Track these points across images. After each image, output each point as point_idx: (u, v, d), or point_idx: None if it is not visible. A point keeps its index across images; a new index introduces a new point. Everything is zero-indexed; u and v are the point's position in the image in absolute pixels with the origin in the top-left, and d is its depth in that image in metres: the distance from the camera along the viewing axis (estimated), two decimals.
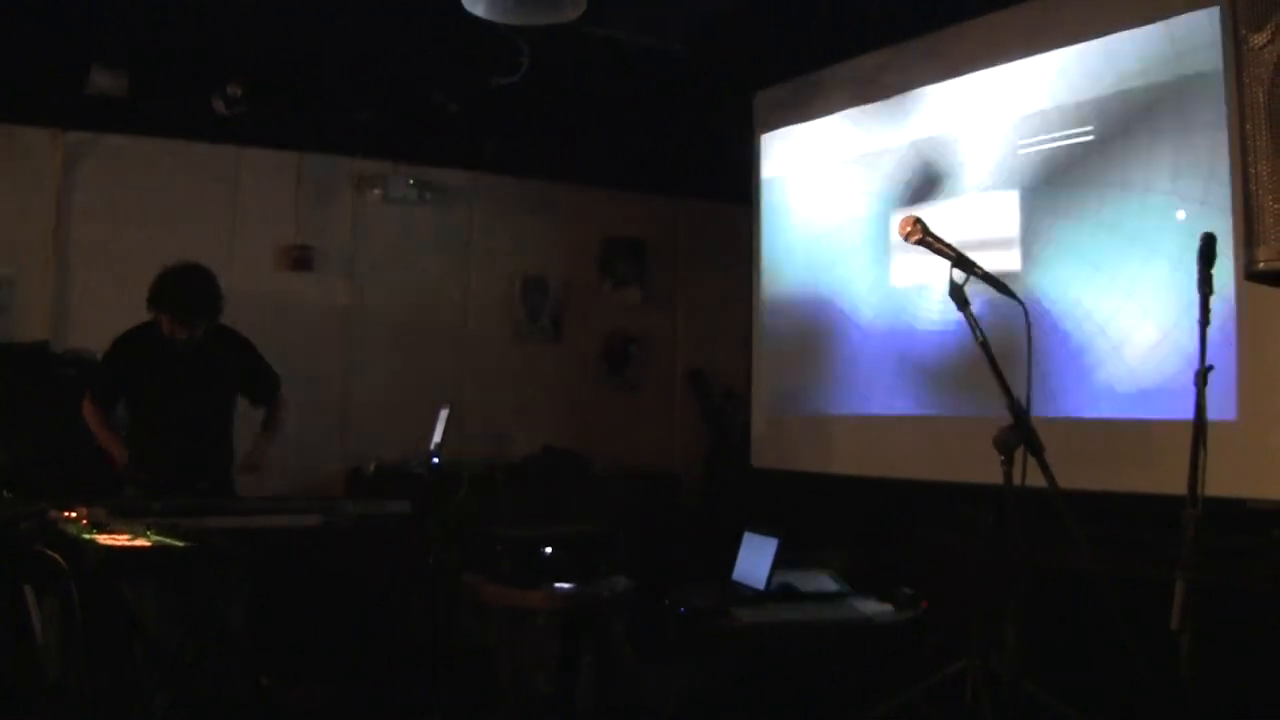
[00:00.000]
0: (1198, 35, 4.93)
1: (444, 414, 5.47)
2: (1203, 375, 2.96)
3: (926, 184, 6.27)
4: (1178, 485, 3.19)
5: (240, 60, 6.86)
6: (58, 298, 7.13)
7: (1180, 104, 5.02)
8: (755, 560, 5.31)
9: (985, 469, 3.59)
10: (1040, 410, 3.63)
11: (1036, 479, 3.36)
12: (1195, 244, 3.18)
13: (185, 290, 5.27)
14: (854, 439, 6.71)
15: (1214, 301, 3.17)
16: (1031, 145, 5.70)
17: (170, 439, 5.31)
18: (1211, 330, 3.11)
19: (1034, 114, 5.71)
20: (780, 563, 5.18)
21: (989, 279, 3.52)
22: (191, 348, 5.29)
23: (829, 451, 6.87)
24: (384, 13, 6.18)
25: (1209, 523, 3.06)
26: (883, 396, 6.49)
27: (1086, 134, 5.43)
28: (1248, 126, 2.55)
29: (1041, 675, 4.29)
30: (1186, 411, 3.12)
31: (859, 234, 6.72)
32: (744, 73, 7.33)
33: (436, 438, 5.39)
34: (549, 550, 5.06)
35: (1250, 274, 2.58)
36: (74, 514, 3.79)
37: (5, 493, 4.16)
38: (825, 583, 5.42)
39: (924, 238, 3.52)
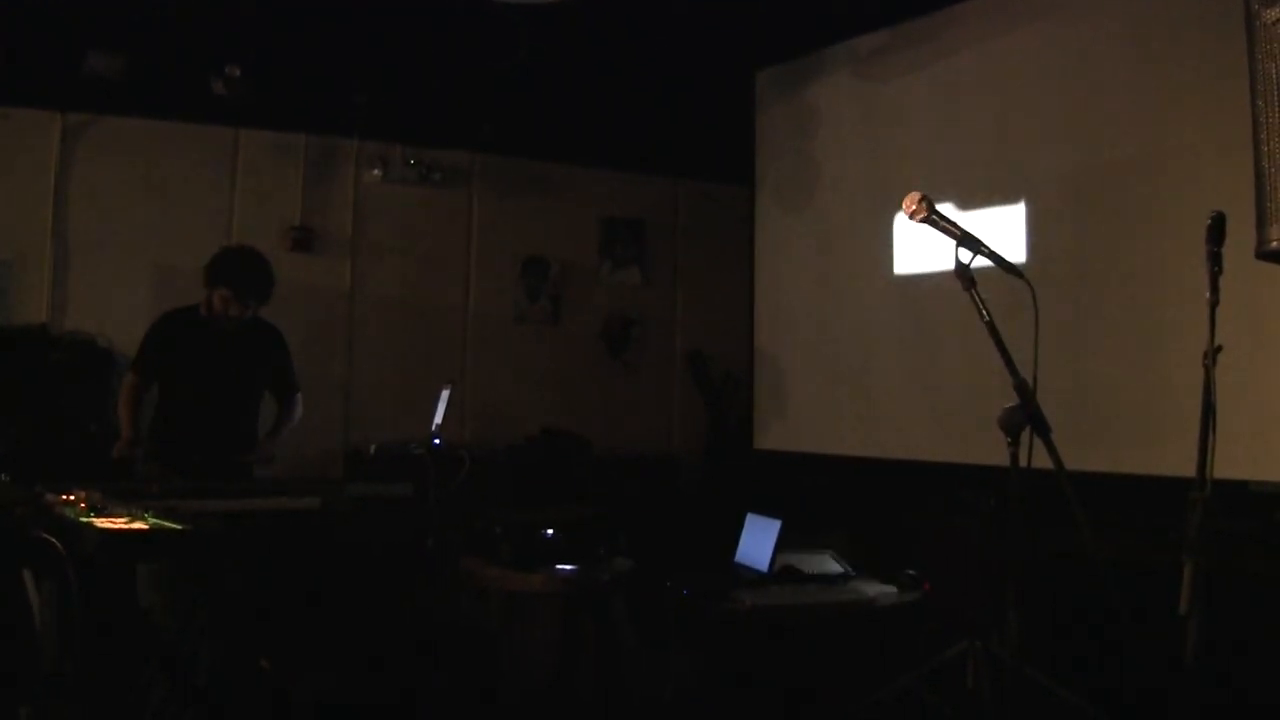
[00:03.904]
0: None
1: (445, 394, 5.44)
2: (1212, 355, 2.91)
3: (928, 163, 6.24)
4: (1180, 467, 3.16)
5: (239, 41, 6.82)
6: (56, 280, 7.11)
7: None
8: (758, 542, 5.29)
9: (988, 450, 3.56)
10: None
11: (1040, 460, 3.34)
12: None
13: (249, 267, 5.43)
14: (856, 420, 6.68)
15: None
16: (1036, 120, 5.68)
17: (200, 420, 5.37)
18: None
19: (1039, 91, 5.68)
20: (783, 545, 5.16)
21: (995, 257, 3.48)
22: (233, 332, 5.36)
23: (831, 433, 6.85)
24: None
25: (1212, 506, 3.03)
26: (886, 378, 6.47)
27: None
28: (1260, 103, 2.51)
29: (1043, 659, 4.28)
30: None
31: (861, 213, 6.68)
32: (745, 51, 7.29)
33: (437, 419, 5.37)
34: (549, 533, 5.03)
35: (1261, 253, 2.54)
36: (71, 497, 3.77)
37: (2, 476, 4.13)
38: (828, 565, 5.41)
39: (929, 215, 3.46)
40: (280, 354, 5.75)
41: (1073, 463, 3.27)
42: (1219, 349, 2.93)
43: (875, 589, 5.17)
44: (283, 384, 5.76)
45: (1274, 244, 2.49)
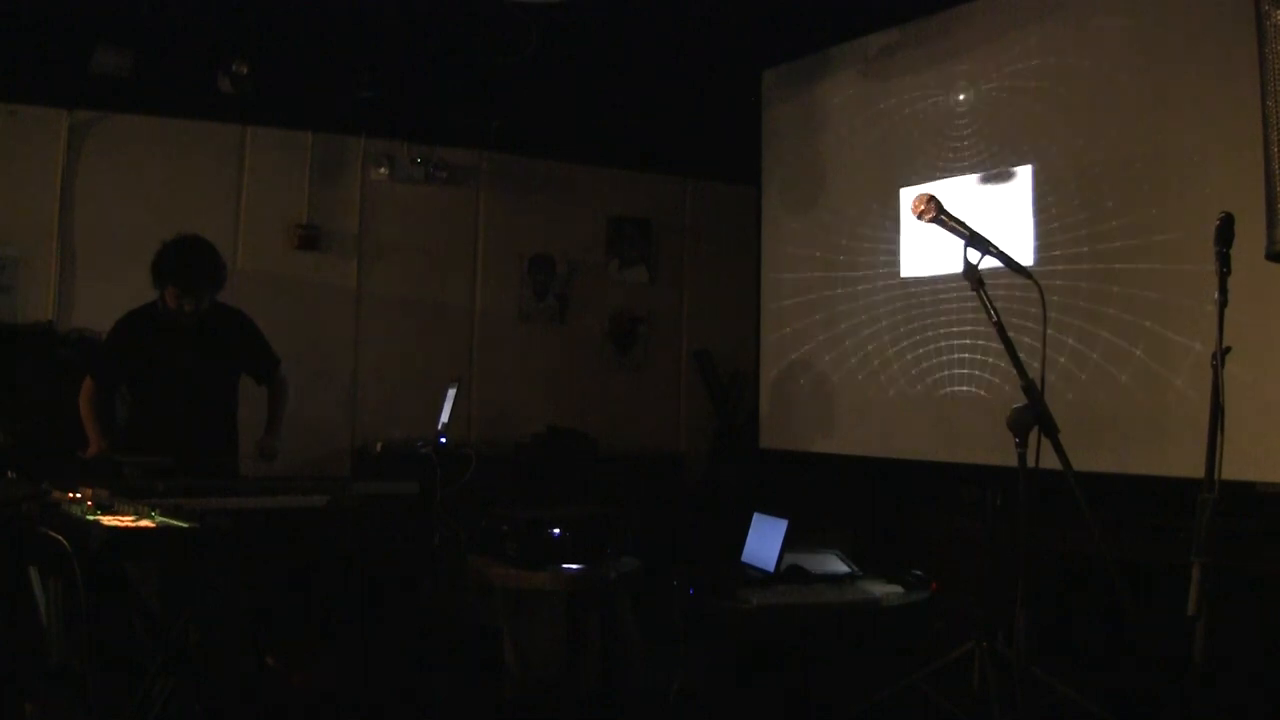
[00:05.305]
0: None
1: (451, 392, 5.44)
2: (1221, 356, 2.90)
3: (936, 163, 6.22)
4: (1188, 468, 3.15)
5: (246, 38, 6.82)
6: (62, 278, 7.12)
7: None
8: (765, 542, 5.29)
9: (996, 451, 3.55)
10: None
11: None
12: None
13: (190, 259, 5.29)
14: (863, 420, 6.67)
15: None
16: (1043, 119, 5.66)
17: (174, 417, 5.29)
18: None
19: (1046, 90, 5.66)
20: (789, 544, 5.16)
21: (1004, 258, 3.47)
22: (194, 324, 5.28)
23: (838, 433, 6.84)
24: None
25: (1220, 506, 3.02)
26: (893, 377, 6.45)
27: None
28: (1270, 103, 2.50)
29: (1050, 659, 4.27)
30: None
31: (868, 212, 6.67)
32: (752, 50, 7.28)
33: (444, 417, 5.37)
34: (556, 531, 5.02)
35: (1271, 254, 2.53)
36: (78, 495, 3.76)
37: (9, 473, 4.12)
38: (834, 564, 5.40)
39: (937, 215, 3.46)
40: (248, 335, 5.62)
41: (1080, 463, 3.27)
42: (1227, 350, 2.92)
43: (881, 589, 5.17)
44: (260, 364, 5.66)
45: None
